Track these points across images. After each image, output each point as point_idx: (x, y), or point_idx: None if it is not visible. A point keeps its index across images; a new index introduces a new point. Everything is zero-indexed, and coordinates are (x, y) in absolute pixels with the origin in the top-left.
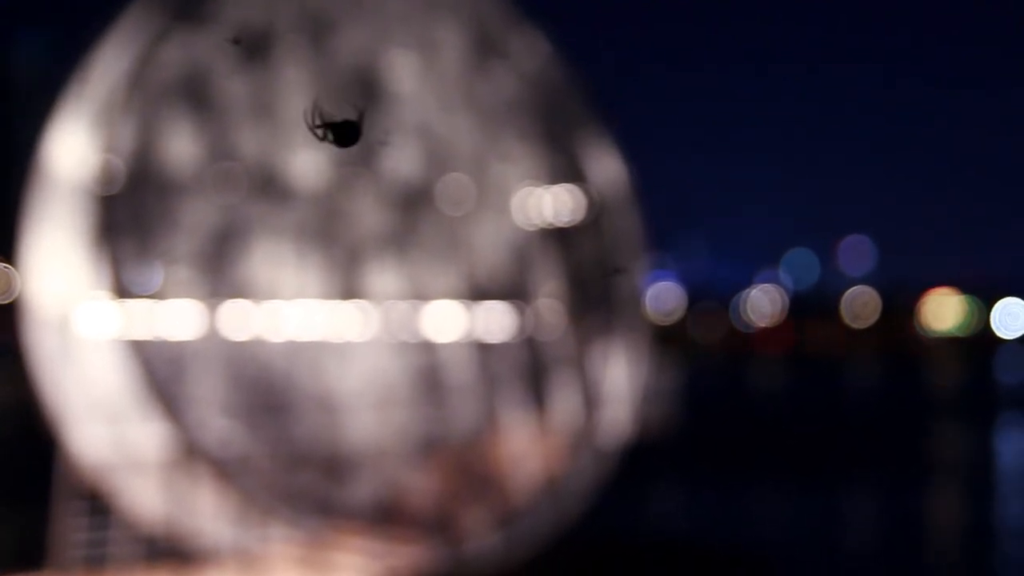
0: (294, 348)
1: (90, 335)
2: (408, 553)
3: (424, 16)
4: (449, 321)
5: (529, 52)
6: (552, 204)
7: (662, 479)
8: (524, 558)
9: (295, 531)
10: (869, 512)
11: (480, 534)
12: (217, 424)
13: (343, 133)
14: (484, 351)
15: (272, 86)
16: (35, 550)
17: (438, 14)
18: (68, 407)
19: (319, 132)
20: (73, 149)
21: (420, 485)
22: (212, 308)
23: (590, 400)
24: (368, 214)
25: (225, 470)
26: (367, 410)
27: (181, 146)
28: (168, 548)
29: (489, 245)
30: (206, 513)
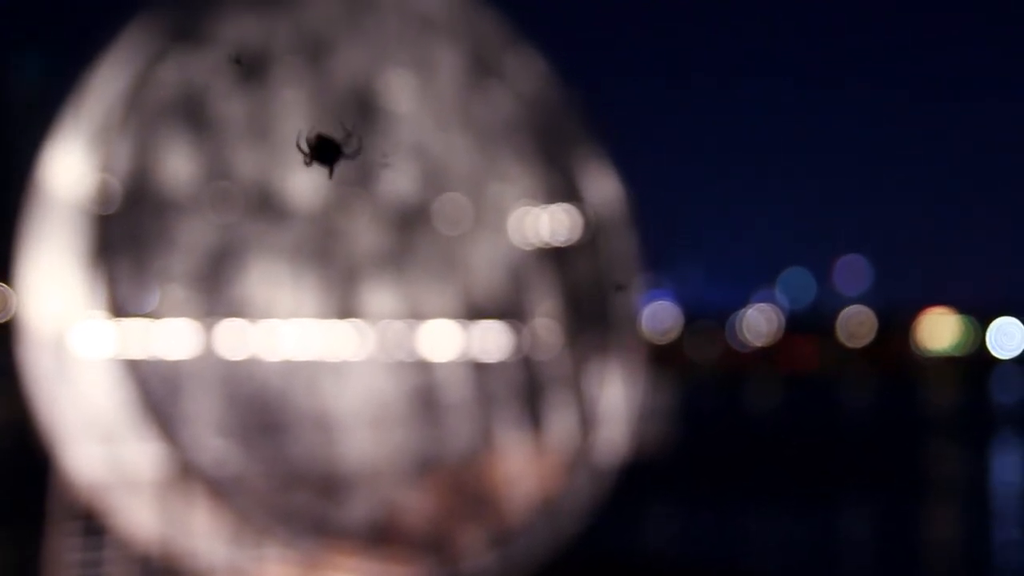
0: (290, 367)
1: (86, 354)
2: (404, 573)
3: (421, 36)
4: (445, 340)
5: (526, 72)
6: (549, 224)
7: (658, 499)
8: None
9: (291, 551)
10: (866, 532)
11: (476, 554)
12: (213, 444)
13: (323, 153)
14: (480, 370)
15: (269, 106)
16: (30, 570)
17: (435, 34)
18: (63, 426)
19: (304, 157)
20: (70, 169)
21: (416, 505)
22: (208, 327)
23: (586, 420)
24: (364, 234)
25: (221, 490)
26: (363, 429)
27: (178, 166)
28: (163, 568)
29: (485, 265)
30: (201, 533)
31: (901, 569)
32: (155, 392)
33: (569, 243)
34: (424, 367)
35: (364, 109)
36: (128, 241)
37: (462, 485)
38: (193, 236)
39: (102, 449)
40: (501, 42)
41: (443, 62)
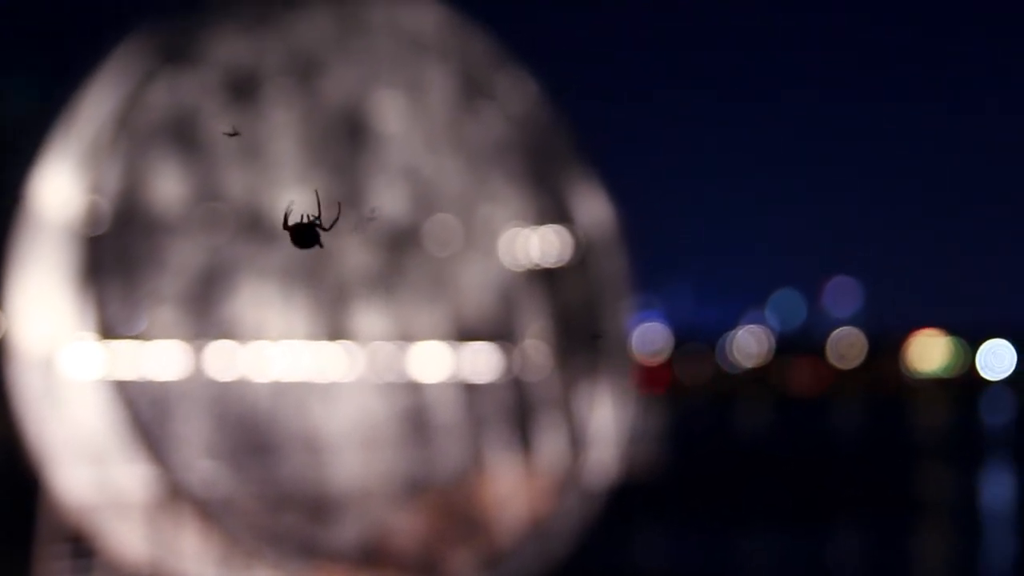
0: (280, 389)
1: (75, 375)
2: None
3: (412, 57)
4: (435, 362)
5: (516, 93)
6: (539, 245)
7: (648, 520)
8: None
9: (280, 573)
10: (855, 553)
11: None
12: (202, 465)
13: (301, 239)
14: (470, 392)
15: (260, 127)
16: None
17: (426, 55)
18: (52, 448)
19: (289, 232)
20: (60, 190)
21: (406, 526)
22: (198, 349)
23: (576, 441)
24: (354, 255)
25: (210, 511)
26: (353, 451)
27: (168, 187)
28: None
29: (476, 286)
30: (191, 555)
31: None
32: (144, 413)
33: (559, 264)
34: (414, 388)
35: (355, 130)
36: (118, 262)
37: (452, 507)
38: (183, 257)
39: (91, 470)
40: (491, 63)
41: (434, 83)
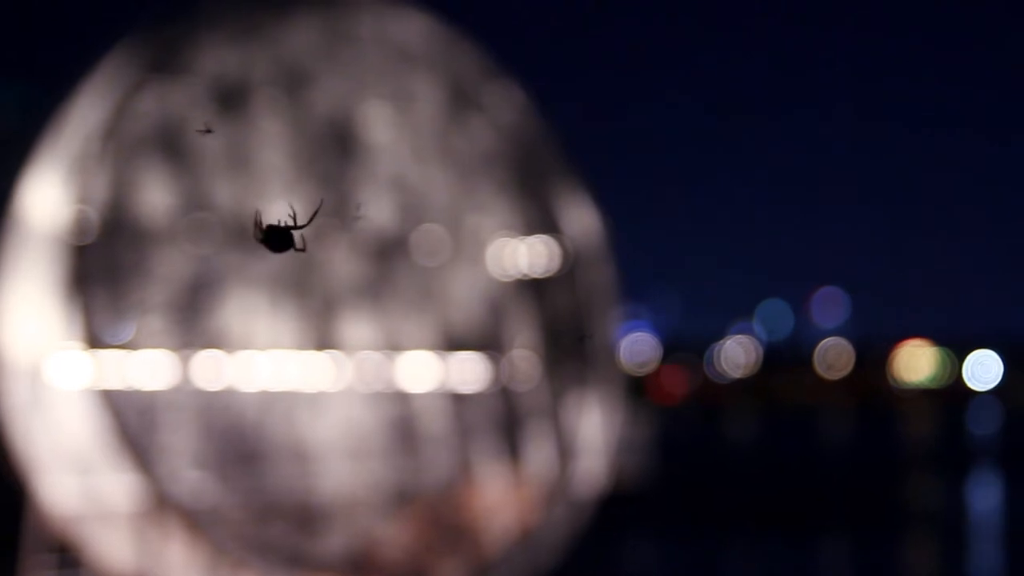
0: (267, 398)
1: (62, 385)
2: None
3: (400, 68)
4: (423, 371)
5: (504, 104)
6: (527, 255)
7: (636, 530)
8: None
9: None
10: (843, 564)
11: None
12: (189, 475)
13: (274, 241)
14: (458, 402)
15: (248, 137)
16: None
17: (414, 66)
18: (38, 457)
19: (259, 237)
20: (47, 199)
21: (394, 536)
22: (185, 358)
23: (564, 451)
24: (342, 264)
25: (196, 521)
26: (340, 461)
27: (155, 197)
28: None
29: (464, 296)
30: (177, 565)
31: None
32: (131, 423)
33: (547, 275)
34: (402, 398)
35: (343, 140)
36: (105, 272)
37: (440, 517)
38: (170, 267)
39: (77, 480)
40: (479, 74)
41: (422, 94)
